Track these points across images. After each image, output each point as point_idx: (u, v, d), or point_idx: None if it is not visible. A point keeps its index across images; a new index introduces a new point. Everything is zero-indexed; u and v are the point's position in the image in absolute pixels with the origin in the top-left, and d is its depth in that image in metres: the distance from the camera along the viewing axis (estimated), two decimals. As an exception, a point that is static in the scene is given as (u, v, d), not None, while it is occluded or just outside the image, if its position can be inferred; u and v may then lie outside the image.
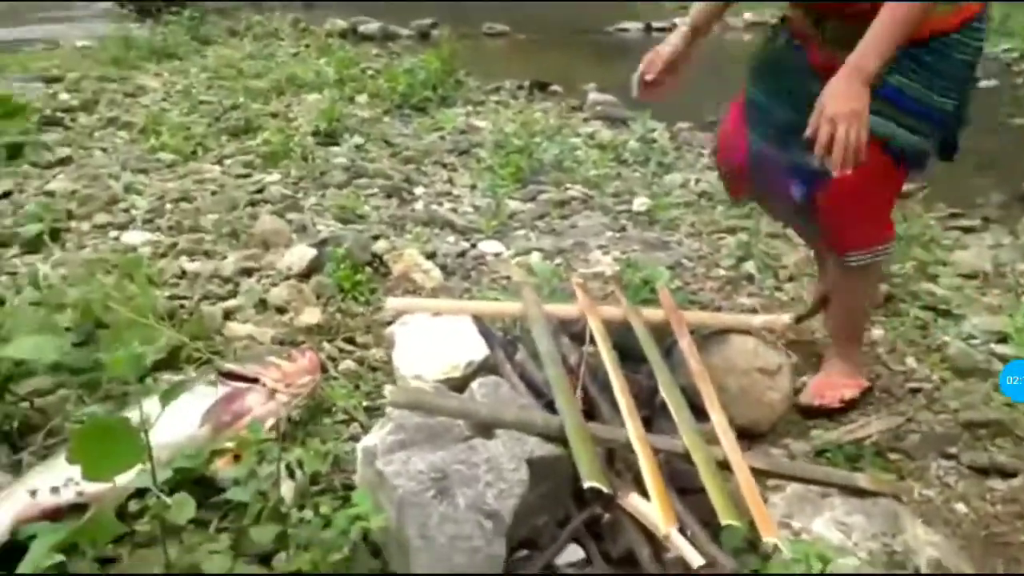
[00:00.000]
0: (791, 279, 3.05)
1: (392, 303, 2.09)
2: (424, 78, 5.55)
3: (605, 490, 1.33)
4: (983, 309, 2.75)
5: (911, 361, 2.48)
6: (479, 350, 1.90)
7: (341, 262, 2.57)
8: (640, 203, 3.66)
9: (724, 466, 1.53)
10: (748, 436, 2.01)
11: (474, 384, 1.63)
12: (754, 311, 2.70)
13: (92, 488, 1.33)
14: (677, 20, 10.87)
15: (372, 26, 9.26)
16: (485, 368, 1.88)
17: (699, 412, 1.73)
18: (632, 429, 1.51)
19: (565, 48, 9.53)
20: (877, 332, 2.68)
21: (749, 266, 3.11)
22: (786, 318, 2.14)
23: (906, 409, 2.23)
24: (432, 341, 1.93)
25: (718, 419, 1.62)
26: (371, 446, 1.50)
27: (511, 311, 2.04)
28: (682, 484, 1.58)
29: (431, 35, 9.04)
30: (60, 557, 1.16)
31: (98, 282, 2.21)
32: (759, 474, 1.54)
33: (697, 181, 4.07)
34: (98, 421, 1.27)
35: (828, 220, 1.98)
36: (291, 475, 1.41)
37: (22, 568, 1.16)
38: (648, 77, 2.16)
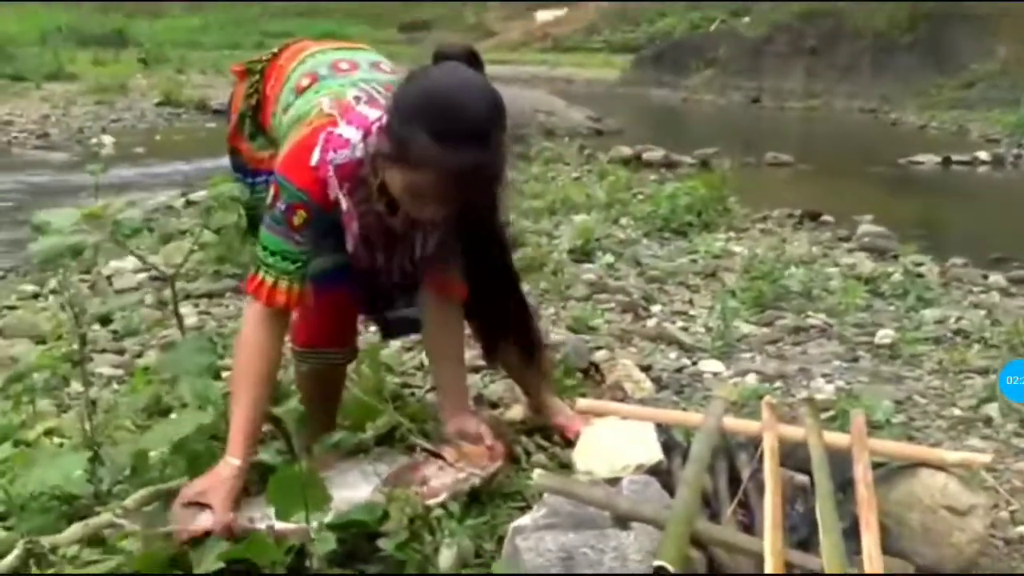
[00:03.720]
0: (1038, 427, 2.83)
1: (582, 404, 2.24)
2: (688, 203, 5.73)
3: (672, 570, 1.36)
4: None
5: None
6: (653, 455, 1.99)
7: (556, 366, 2.75)
8: (883, 335, 3.54)
9: (865, 591, 1.50)
10: (930, 578, 1.92)
11: (625, 480, 1.73)
12: (983, 455, 2.54)
13: (281, 525, 1.58)
14: (981, 153, 10.40)
15: (656, 154, 9.63)
16: (657, 473, 1.96)
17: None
18: (769, 542, 1.53)
19: (849, 180, 9.34)
20: None
21: (991, 409, 2.92)
22: (985, 457, 2.03)
23: None
24: (611, 442, 2.04)
25: (868, 542, 1.59)
26: (522, 525, 1.64)
27: (694, 422, 2.11)
28: (825, 607, 1.56)
29: (711, 164, 9.23)
30: (221, 565, 1.41)
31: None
32: (904, 606, 1.50)
33: (958, 319, 3.86)
34: (292, 471, 1.53)
35: None
36: (431, 534, 1.58)
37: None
38: None
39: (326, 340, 2.19)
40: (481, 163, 1.71)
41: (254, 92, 2.18)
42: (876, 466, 2.00)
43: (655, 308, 3.83)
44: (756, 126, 16.54)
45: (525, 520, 1.66)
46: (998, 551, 2.09)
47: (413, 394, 2.73)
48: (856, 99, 18.19)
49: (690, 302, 4.00)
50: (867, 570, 1.55)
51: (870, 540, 1.62)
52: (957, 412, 2.91)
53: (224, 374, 2.70)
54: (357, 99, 1.92)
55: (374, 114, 1.87)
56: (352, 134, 1.86)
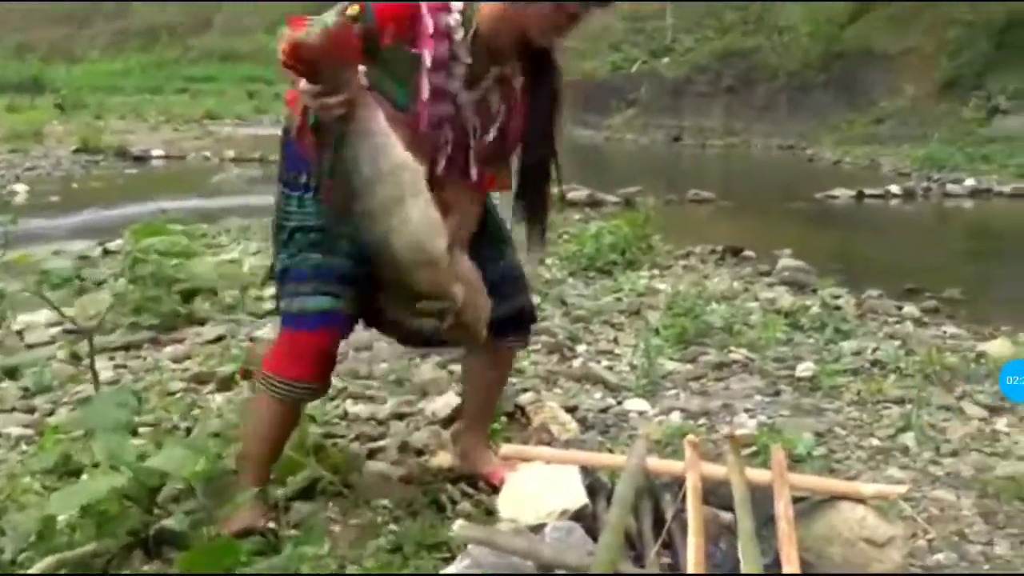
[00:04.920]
0: (955, 454, 2.90)
1: (506, 450, 2.22)
2: (613, 242, 5.79)
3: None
4: None
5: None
6: (577, 499, 1.98)
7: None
8: (804, 368, 3.61)
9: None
10: (853, 610, 1.94)
11: (548, 527, 1.72)
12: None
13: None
14: (893, 187, 10.76)
15: (580, 193, 9.72)
16: (581, 517, 1.95)
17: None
18: (692, 582, 1.53)
19: (769, 215, 9.59)
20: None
21: (907, 438, 2.99)
22: (900, 489, 2.07)
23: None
24: (536, 488, 2.03)
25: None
26: (445, 578, 1.61)
27: (618, 463, 2.11)
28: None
29: (635, 202, 9.34)
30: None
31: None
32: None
33: (874, 350, 3.95)
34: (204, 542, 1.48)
35: None
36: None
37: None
38: None
39: (298, 372, 2.09)
40: None
41: None
42: (798, 500, 2.03)
43: (581, 348, 3.85)
44: (678, 164, 16.89)
45: (449, 572, 1.63)
46: (917, 580, 2.13)
47: (336, 444, 2.68)
48: (774, 136, 18.71)
49: (615, 341, 4.02)
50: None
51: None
52: (875, 442, 2.97)
53: (141, 430, 2.64)
54: None
55: None
56: None
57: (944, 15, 16.83)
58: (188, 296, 4.16)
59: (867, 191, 10.71)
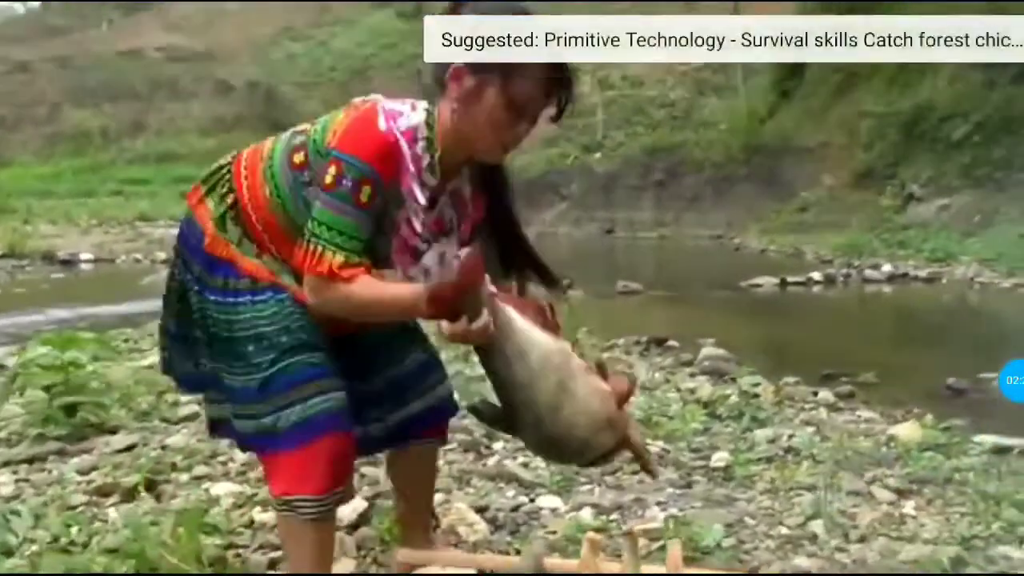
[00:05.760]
0: (862, 540, 2.93)
1: (403, 555, 2.20)
2: (537, 337, 5.82)
3: None
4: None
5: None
6: (472, 604, 1.97)
7: (388, 514, 2.70)
8: (719, 458, 3.64)
9: None
10: None
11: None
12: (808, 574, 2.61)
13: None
14: (815, 274, 11.06)
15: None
16: (476, 622, 1.93)
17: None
18: None
19: (695, 304, 9.77)
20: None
21: (817, 525, 3.01)
22: (793, 580, 2.09)
23: None
24: (431, 594, 2.01)
25: None
26: None
27: (513, 565, 2.10)
28: None
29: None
30: None
31: (157, 531, 2.44)
32: None
33: (790, 436, 4.01)
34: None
35: None
36: None
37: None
38: None
39: (322, 485, 1.97)
40: None
41: (228, 191, 2.04)
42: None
43: (497, 445, 3.83)
44: (611, 256, 17.19)
45: None
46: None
47: (239, 555, 2.62)
48: (702, 226, 19.21)
49: (533, 436, 4.01)
50: None
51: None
52: (785, 531, 2.99)
53: (27, 552, 2.54)
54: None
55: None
56: (401, 107, 1.92)
57: (855, 109, 17.63)
58: (70, 409, 4.02)
59: (790, 279, 11.00)
